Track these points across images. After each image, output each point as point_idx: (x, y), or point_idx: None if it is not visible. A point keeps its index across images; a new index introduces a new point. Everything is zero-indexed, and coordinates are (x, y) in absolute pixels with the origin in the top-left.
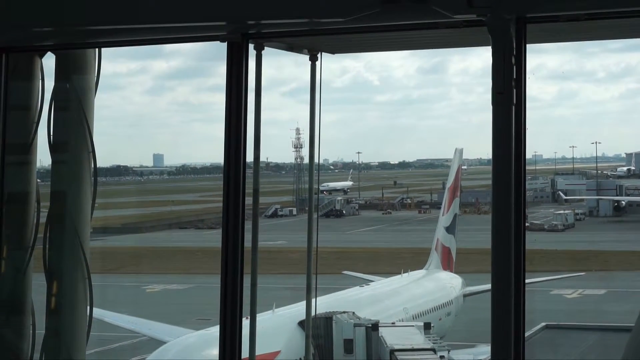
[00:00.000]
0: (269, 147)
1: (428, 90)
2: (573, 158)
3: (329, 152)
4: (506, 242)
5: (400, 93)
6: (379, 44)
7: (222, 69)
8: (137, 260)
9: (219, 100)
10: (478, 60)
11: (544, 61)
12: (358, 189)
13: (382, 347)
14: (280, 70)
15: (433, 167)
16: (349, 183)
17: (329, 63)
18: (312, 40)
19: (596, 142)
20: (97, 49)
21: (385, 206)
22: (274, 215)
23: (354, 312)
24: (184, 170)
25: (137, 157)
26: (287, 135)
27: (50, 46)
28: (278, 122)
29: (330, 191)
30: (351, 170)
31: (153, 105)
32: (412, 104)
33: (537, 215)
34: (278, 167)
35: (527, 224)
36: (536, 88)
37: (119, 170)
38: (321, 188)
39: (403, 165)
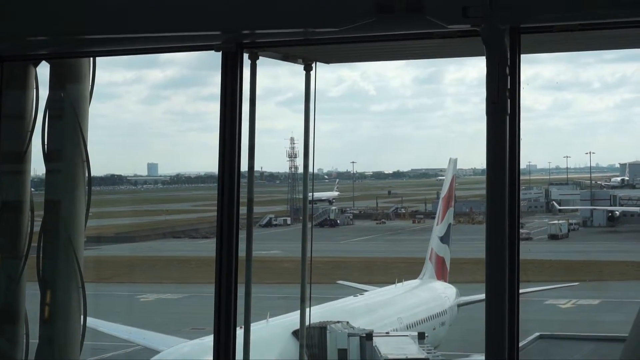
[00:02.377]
0: (263, 156)
1: (423, 100)
2: (567, 168)
3: (323, 162)
4: (500, 251)
5: (396, 103)
6: (374, 53)
7: (217, 78)
8: (131, 270)
9: (215, 109)
10: (474, 70)
11: (539, 71)
12: (352, 199)
13: (376, 356)
14: (276, 79)
15: (427, 177)
16: (334, 193)
17: (325, 72)
18: (307, 50)
19: (590, 152)
20: (91, 58)
21: (380, 216)
22: (268, 224)
23: (348, 322)
24: (178, 180)
25: (131, 166)
26: (281, 145)
27: (44, 55)
28: (273, 132)
29: (315, 201)
30: (337, 180)
31: (148, 114)
32: (407, 114)
33: (531, 225)
34: (272, 177)
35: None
36: (531, 98)
37: (113, 180)
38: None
39: (397, 175)
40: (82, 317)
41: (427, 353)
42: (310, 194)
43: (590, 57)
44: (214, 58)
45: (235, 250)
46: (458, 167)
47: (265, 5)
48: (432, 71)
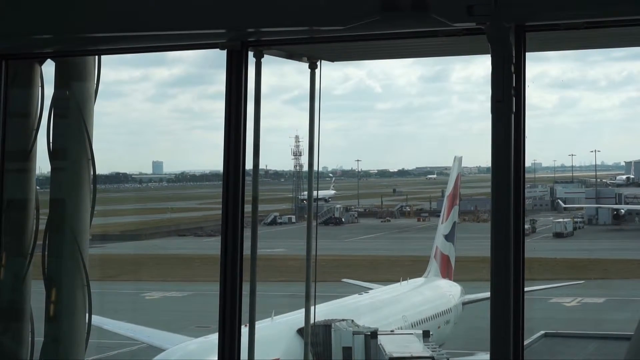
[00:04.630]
0: (268, 154)
1: (430, 98)
2: (572, 166)
3: (328, 160)
4: (505, 250)
5: (402, 101)
6: (379, 52)
7: (223, 77)
8: (136, 268)
9: (221, 107)
10: (480, 68)
11: (546, 69)
12: (357, 197)
13: (381, 355)
14: (283, 77)
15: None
16: (331, 192)
17: (331, 71)
18: (312, 48)
19: (595, 151)
20: (96, 57)
21: (385, 214)
22: (273, 222)
23: (352, 320)
24: (183, 178)
25: (136, 164)
26: (286, 143)
27: (50, 53)
28: (279, 130)
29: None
30: (334, 179)
31: (154, 112)
32: (413, 112)
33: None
34: (277, 175)
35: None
36: (537, 96)
37: (118, 178)
38: (301, 197)
39: (402, 173)
40: (87, 315)
41: (432, 351)
42: (315, 192)
43: (597, 55)
44: (221, 56)
45: (240, 248)
46: (463, 165)
47: (270, 4)
48: (438, 69)
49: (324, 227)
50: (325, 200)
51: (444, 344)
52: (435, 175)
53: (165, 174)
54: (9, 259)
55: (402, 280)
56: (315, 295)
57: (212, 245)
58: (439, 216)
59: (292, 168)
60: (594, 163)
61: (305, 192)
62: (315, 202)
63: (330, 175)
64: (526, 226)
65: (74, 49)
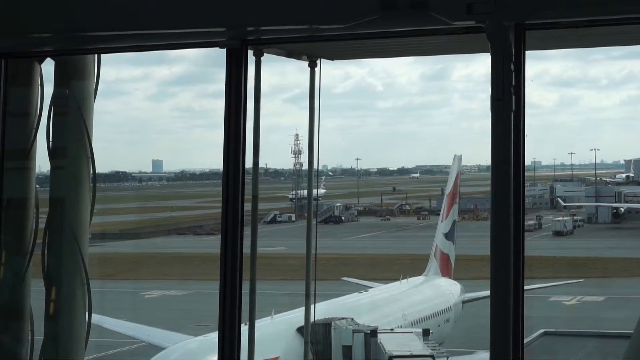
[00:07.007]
0: (268, 153)
1: (430, 97)
2: (572, 165)
3: (328, 159)
4: (505, 248)
5: (402, 100)
6: (378, 50)
7: (224, 75)
8: (135, 266)
9: (221, 106)
10: (482, 66)
11: (547, 67)
12: (357, 195)
13: (381, 353)
14: (283, 76)
15: (432, 174)
16: (321, 191)
17: (332, 69)
18: (311, 47)
19: (595, 149)
20: (96, 55)
21: (384, 212)
22: (273, 221)
23: (352, 319)
24: (183, 176)
25: (136, 163)
26: (286, 141)
27: (49, 52)
28: (279, 128)
29: (301, 199)
30: (324, 178)
31: (155, 111)
32: (414, 111)
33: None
34: (277, 173)
35: None
36: (537, 95)
37: (117, 176)
38: (290, 196)
39: (402, 171)
40: (87, 313)
41: (432, 350)
42: (315, 191)
43: (598, 53)
44: (221, 54)
45: (240, 247)
46: (463, 163)
47: (270, 2)
48: (439, 68)
49: (324, 226)
50: (316, 199)
51: (443, 343)
52: (418, 175)
53: (165, 173)
54: (8, 257)
55: (402, 278)
56: (315, 293)
57: (212, 244)
58: (438, 215)
59: (292, 166)
60: (593, 161)
61: (295, 191)
62: (315, 201)
63: (330, 174)
64: (532, 222)
65: (74, 48)
